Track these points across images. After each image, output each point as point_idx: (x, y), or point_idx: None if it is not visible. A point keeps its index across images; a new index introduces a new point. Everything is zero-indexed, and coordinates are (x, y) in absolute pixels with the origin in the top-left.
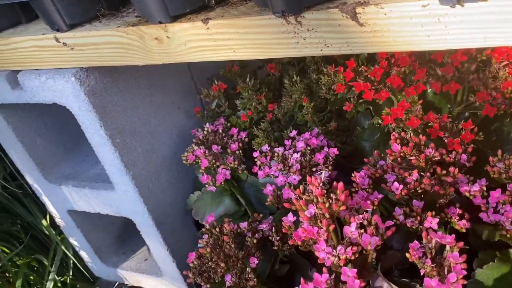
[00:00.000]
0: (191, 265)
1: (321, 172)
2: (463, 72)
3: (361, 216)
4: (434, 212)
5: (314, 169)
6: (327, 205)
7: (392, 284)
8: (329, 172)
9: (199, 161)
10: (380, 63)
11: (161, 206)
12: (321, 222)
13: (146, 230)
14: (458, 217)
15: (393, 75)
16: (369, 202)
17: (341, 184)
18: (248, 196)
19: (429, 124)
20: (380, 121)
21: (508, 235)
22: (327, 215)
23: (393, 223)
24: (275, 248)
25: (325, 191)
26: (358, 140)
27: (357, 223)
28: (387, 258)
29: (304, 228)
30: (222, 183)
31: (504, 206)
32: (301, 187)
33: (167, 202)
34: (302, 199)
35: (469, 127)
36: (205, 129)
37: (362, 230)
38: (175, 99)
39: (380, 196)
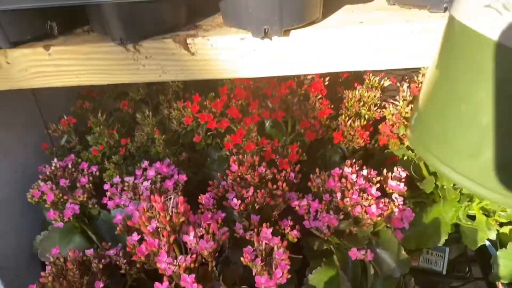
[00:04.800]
0: None
1: (170, 197)
2: (288, 104)
3: (200, 229)
4: (269, 224)
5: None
6: (168, 218)
7: None
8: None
9: (45, 196)
10: (221, 97)
11: (1, 250)
12: (163, 235)
13: None
14: (290, 228)
15: (232, 106)
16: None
17: (181, 198)
18: (101, 233)
19: (264, 149)
20: (227, 153)
21: (325, 238)
22: (168, 228)
23: (227, 229)
24: (123, 271)
25: (167, 206)
26: (209, 171)
27: (195, 233)
28: (229, 271)
29: (146, 241)
30: (71, 218)
31: (321, 213)
32: (145, 205)
33: (10, 245)
34: (144, 215)
35: (295, 149)
36: (53, 164)
37: (200, 238)
38: (20, 136)
39: (223, 214)
